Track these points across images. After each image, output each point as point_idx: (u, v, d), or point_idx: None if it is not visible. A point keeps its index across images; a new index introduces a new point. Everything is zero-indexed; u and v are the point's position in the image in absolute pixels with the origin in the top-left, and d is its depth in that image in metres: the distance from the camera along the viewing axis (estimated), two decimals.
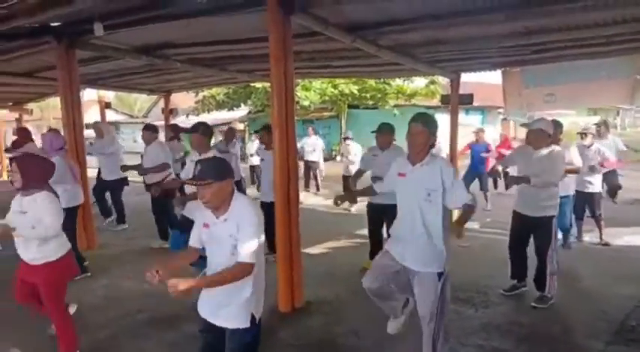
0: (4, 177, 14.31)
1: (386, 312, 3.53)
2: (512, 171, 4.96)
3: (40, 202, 3.20)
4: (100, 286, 5.00)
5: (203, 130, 4.47)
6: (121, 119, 33.75)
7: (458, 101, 7.89)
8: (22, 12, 4.60)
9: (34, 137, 8.51)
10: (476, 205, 3.17)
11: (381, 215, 5.29)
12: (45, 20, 5.25)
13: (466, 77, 8.14)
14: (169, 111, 11.55)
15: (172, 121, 11.43)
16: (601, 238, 6.48)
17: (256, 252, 2.39)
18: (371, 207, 5.48)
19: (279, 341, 3.81)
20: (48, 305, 3.39)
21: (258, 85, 15.81)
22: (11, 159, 3.45)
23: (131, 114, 37.21)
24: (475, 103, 8.43)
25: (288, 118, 4.28)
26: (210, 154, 4.36)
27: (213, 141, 5.51)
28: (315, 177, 11.67)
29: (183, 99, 20.65)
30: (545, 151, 4.32)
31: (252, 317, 2.47)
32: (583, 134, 6.34)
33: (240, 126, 25.33)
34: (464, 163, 9.67)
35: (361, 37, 5.35)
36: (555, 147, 4.45)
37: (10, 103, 13.51)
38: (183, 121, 19.80)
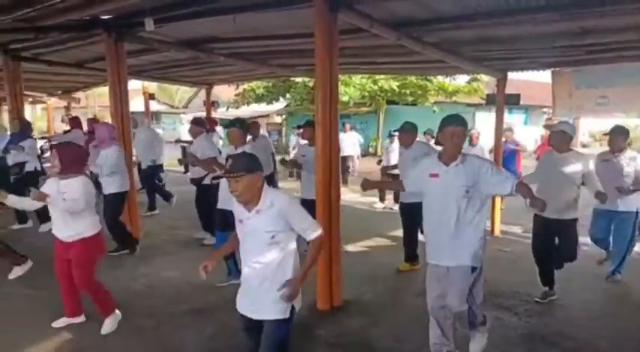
0: None
1: (432, 343, 3.30)
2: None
3: (75, 184, 3.57)
4: (143, 274, 5.13)
5: (241, 125, 4.69)
6: (162, 109, 34.54)
7: (504, 101, 7.63)
8: (77, 5, 4.74)
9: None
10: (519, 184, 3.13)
11: (414, 215, 5.27)
12: (97, 13, 5.39)
13: (511, 75, 7.89)
14: (211, 104, 11.71)
15: (213, 113, 11.61)
16: None
17: (314, 223, 2.54)
18: (402, 206, 5.46)
19: (317, 338, 3.80)
20: (77, 278, 3.68)
21: (298, 79, 15.84)
22: (51, 147, 3.78)
23: (172, 105, 37.99)
24: None
25: (331, 116, 4.25)
26: (246, 148, 4.54)
27: None
28: (347, 171, 11.64)
29: (223, 92, 20.91)
30: (568, 154, 4.29)
31: (292, 309, 2.53)
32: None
33: (278, 120, 25.55)
34: None
35: (407, 34, 5.25)
36: (577, 151, 4.42)
37: (60, 91, 14.04)
38: (223, 113, 20.13)
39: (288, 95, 18.08)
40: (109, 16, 5.68)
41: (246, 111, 21.63)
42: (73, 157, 3.62)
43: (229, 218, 4.52)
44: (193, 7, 4.58)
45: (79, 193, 3.55)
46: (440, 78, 16.80)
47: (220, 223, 4.77)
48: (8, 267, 4.91)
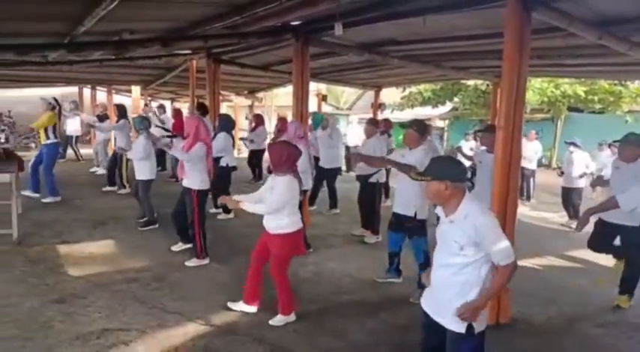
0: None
1: None
2: None
3: (280, 183, 3.75)
4: (311, 262, 5.46)
5: (417, 127, 4.57)
6: (329, 110, 36.28)
7: None
8: (275, 13, 5.23)
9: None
10: None
11: (613, 235, 4.66)
12: (289, 20, 5.89)
13: None
14: (378, 106, 11.95)
15: (380, 115, 11.82)
16: None
17: (508, 249, 2.35)
18: (602, 224, 4.82)
19: None
20: (273, 269, 3.91)
21: (469, 82, 15.25)
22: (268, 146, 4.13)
23: (337, 106, 39.67)
24: None
25: (515, 121, 4.00)
26: (420, 150, 4.47)
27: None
28: (529, 185, 10.72)
29: (387, 94, 21.13)
30: None
31: (470, 326, 2.40)
32: None
33: (441, 124, 24.93)
34: None
35: (610, 33, 4.69)
36: None
37: (246, 91, 15.73)
38: (388, 116, 20.35)
39: (455, 98, 17.51)
40: (298, 22, 6.17)
41: (410, 114, 21.56)
42: (281, 157, 3.77)
43: (403, 221, 4.57)
44: (383, 10, 4.70)
45: (281, 192, 3.71)
46: (638, 83, 14.63)
47: (393, 225, 4.78)
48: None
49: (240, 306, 4.12)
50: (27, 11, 4.50)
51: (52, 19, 4.97)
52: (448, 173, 2.42)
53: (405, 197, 4.54)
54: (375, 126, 6.59)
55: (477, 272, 2.40)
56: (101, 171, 10.74)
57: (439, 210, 2.55)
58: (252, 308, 4.10)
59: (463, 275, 2.40)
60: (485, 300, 2.40)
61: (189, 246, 5.49)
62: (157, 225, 6.60)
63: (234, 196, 4.02)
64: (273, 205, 3.74)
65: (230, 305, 4.15)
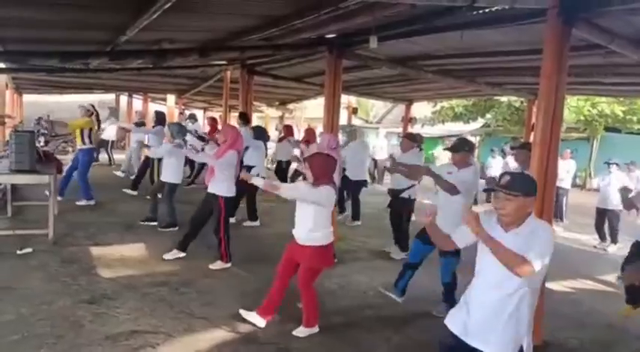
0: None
1: None
2: None
3: (322, 193, 3.69)
4: (337, 275, 5.42)
5: (469, 148, 4.52)
6: (358, 123, 36.29)
7: None
8: (310, 26, 5.31)
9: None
10: None
11: None
12: (324, 33, 5.95)
13: None
14: (409, 120, 11.89)
15: (410, 130, 11.76)
16: None
17: (540, 271, 2.25)
18: (637, 247, 4.66)
19: None
20: (301, 282, 3.86)
21: (503, 98, 15.04)
22: (305, 158, 4.08)
23: (366, 120, 39.67)
24: None
25: (552, 139, 3.91)
26: (469, 170, 4.39)
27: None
28: (561, 205, 10.39)
29: (419, 109, 21.03)
30: None
31: (521, 350, 2.33)
32: None
33: (472, 140, 24.60)
34: None
35: None
36: None
37: (277, 103, 15.91)
38: (418, 130, 20.26)
39: (488, 115, 17.29)
40: (332, 35, 6.23)
41: (440, 129, 21.39)
42: (321, 167, 3.75)
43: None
44: (420, 24, 4.70)
45: (319, 202, 3.70)
46: None
47: (425, 237, 4.64)
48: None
49: (252, 317, 3.98)
50: (76, 20, 4.69)
51: (99, 27, 5.17)
52: (534, 189, 2.38)
53: (448, 213, 4.19)
54: (413, 141, 6.38)
55: (530, 297, 2.32)
56: (121, 174, 11.10)
57: (490, 223, 2.39)
58: (262, 322, 3.96)
59: (516, 298, 2.30)
60: (487, 238, 2.27)
61: (182, 255, 5.49)
62: (176, 228, 6.70)
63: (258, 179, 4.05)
64: (319, 200, 3.69)
65: (242, 313, 4.03)
